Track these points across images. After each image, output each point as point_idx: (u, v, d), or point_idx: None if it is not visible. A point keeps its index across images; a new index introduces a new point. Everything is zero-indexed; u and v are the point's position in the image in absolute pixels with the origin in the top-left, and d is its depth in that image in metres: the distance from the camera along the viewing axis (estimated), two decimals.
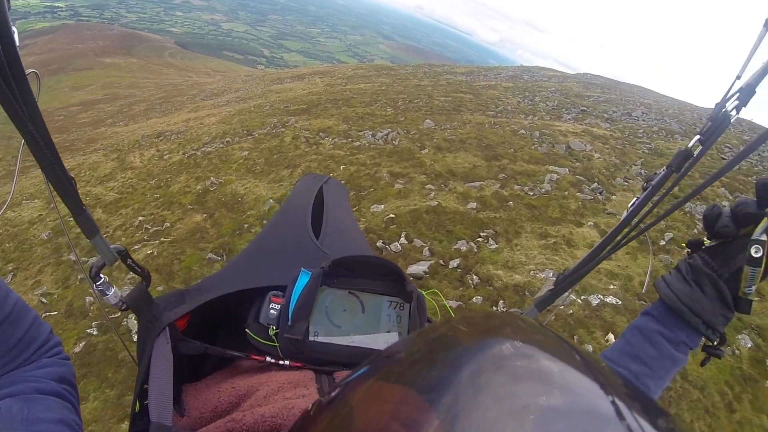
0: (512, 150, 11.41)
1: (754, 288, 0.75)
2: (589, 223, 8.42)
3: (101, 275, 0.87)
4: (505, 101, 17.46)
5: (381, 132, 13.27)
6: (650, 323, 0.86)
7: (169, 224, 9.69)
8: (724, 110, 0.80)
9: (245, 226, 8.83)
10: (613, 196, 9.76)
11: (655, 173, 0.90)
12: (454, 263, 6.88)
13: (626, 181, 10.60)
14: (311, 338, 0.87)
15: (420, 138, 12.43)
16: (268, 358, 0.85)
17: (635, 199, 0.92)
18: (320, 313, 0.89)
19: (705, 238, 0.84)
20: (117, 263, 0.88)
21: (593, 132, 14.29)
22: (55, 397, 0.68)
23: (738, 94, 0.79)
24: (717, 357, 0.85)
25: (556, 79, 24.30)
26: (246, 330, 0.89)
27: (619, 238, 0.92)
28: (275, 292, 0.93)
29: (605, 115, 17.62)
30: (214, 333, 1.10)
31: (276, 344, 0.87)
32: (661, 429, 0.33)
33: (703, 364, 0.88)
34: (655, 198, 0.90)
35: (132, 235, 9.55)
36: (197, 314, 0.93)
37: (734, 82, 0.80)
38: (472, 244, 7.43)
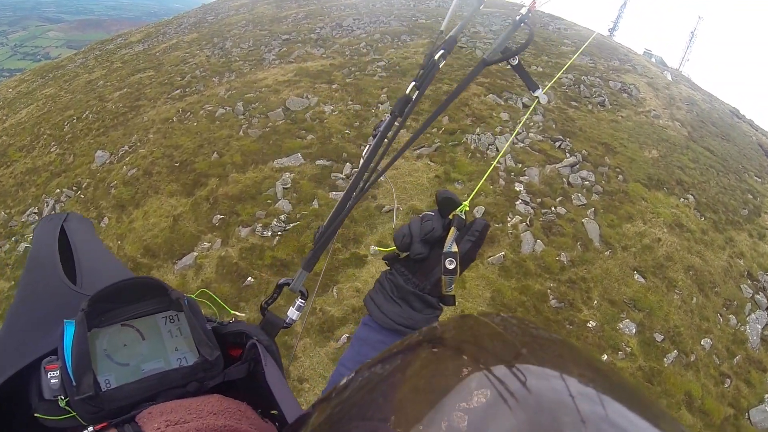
0: (216, 155, 7.98)
1: (453, 286, 0.78)
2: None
3: None
4: (192, 63, 13.09)
5: (48, 203, 8.37)
6: (372, 334, 0.85)
7: None
8: (432, 59, 0.89)
9: None
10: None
11: (381, 121, 0.96)
12: None
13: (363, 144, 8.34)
14: (104, 389, 0.71)
15: (94, 195, 8.02)
16: None
17: (368, 146, 0.94)
18: (102, 360, 0.75)
19: (398, 251, 0.82)
20: None
21: (308, 69, 11.48)
22: None
23: (444, 44, 0.90)
24: None
25: (245, 8, 19.90)
26: (36, 415, 0.70)
27: (362, 184, 0.91)
28: (48, 358, 0.74)
29: (313, 35, 14.77)
30: None
31: (72, 413, 0.69)
32: None
33: None
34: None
35: None
36: None
37: (439, 34, 0.93)
38: None
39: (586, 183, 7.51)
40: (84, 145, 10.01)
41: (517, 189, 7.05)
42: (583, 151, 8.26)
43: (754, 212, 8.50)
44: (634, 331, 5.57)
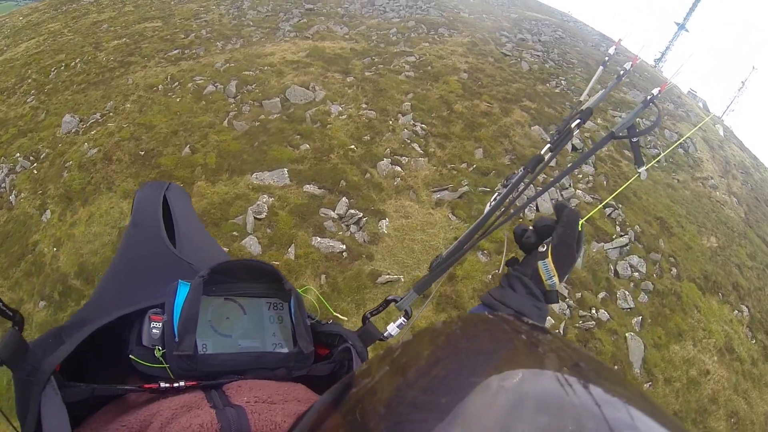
0: (189, 149, 6.37)
1: (555, 280, 0.82)
2: None
3: None
4: (202, 19, 11.11)
5: (2, 170, 6.94)
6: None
7: None
8: (568, 126, 0.95)
9: None
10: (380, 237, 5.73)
11: (513, 173, 1.01)
12: None
13: (392, 163, 6.56)
14: (201, 352, 0.74)
15: (47, 174, 6.46)
16: (162, 384, 0.69)
17: (496, 194, 0.97)
18: (204, 325, 0.78)
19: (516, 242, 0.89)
20: None
21: (324, 51, 9.55)
22: None
23: (581, 113, 0.94)
24: None
25: None
26: (130, 356, 0.73)
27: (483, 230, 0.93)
28: (155, 310, 0.77)
29: (340, 10, 12.67)
30: (83, 367, 0.83)
31: (165, 365, 0.72)
32: None
33: None
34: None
35: None
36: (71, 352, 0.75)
37: (578, 102, 1.09)
38: None
39: (635, 275, 5.92)
40: (60, 102, 8.25)
41: None
42: (636, 227, 6.62)
43: None
44: None
